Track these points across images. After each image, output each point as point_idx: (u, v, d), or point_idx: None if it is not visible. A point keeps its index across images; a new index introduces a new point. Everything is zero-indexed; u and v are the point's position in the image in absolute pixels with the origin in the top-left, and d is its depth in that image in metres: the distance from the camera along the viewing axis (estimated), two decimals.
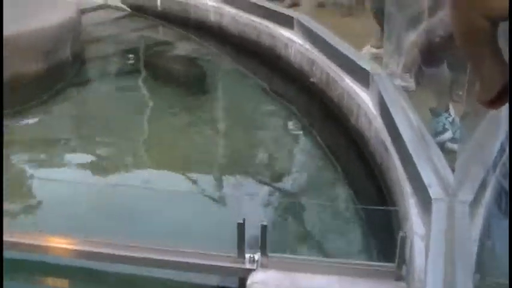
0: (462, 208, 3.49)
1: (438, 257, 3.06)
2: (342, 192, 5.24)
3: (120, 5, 11.22)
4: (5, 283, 2.83)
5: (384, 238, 4.44)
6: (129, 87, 8.00)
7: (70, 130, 6.82)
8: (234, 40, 9.09)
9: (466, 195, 3.59)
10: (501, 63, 1.01)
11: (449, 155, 4.28)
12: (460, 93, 5.26)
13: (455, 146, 4.76)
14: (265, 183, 5.47)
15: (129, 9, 11.13)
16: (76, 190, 4.99)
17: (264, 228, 3.55)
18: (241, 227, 3.57)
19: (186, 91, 7.65)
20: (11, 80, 6.75)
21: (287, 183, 5.51)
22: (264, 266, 3.60)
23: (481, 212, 3.62)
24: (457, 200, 3.55)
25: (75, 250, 3.93)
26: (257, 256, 3.61)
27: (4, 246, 3.89)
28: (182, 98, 7.32)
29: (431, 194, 3.64)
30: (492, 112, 3.85)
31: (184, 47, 9.42)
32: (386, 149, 4.85)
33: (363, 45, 7.18)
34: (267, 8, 8.63)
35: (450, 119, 5.27)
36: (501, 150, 4.04)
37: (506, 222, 3.78)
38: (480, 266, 3.15)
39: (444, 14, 5.21)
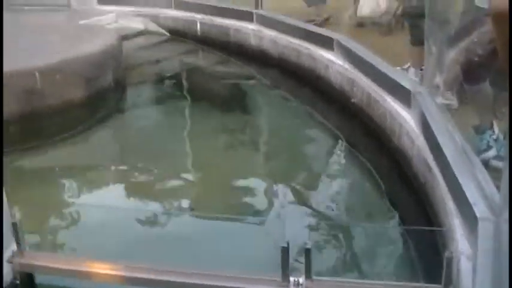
0: (509, 227, 3.43)
1: (485, 278, 3.01)
2: (386, 213, 5.19)
3: (159, 30, 11.32)
4: None
5: (429, 259, 4.38)
6: (170, 112, 8.05)
7: (112, 156, 6.87)
8: (274, 62, 9.12)
9: None
10: None
11: (494, 173, 4.21)
12: (504, 110, 5.20)
13: (500, 164, 4.68)
14: (308, 205, 5.44)
15: (168, 34, 11.23)
16: (118, 216, 5.01)
17: (308, 251, 3.52)
18: (285, 251, 3.54)
19: (227, 114, 7.67)
20: (56, 106, 6.86)
21: (330, 205, 5.48)
22: None
23: None
24: (503, 219, 3.49)
25: (118, 275, 3.93)
26: (302, 279, 3.58)
27: (47, 272, 3.94)
28: (223, 121, 7.34)
29: (476, 213, 3.58)
30: None
31: (224, 71, 9.47)
32: (429, 168, 4.80)
33: (404, 64, 7.14)
34: (306, 30, 8.65)
35: (494, 137, 5.21)
36: None
37: None
38: None
39: (484, 31, 5.16)
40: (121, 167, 6.44)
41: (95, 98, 7.44)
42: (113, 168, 6.46)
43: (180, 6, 11.34)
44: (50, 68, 6.98)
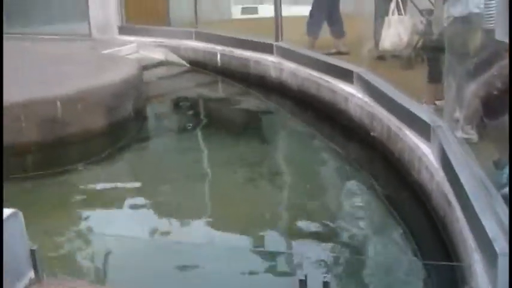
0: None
1: None
2: (405, 247, 5.15)
3: (180, 61, 11.40)
4: None
5: None
6: (189, 142, 8.06)
7: (131, 185, 6.88)
8: (294, 94, 9.13)
9: None
10: None
11: None
12: None
13: None
14: (327, 239, 5.41)
15: (188, 65, 11.30)
16: (135, 245, 5.01)
17: (326, 284, 3.50)
18: (303, 284, 3.52)
19: (246, 146, 7.66)
20: (76, 135, 6.91)
21: (349, 238, 5.44)
22: None
23: None
24: None
25: None
26: None
27: None
28: (242, 153, 7.33)
29: (496, 248, 3.55)
30: None
31: (244, 102, 9.49)
32: (449, 202, 4.78)
33: (423, 98, 7.13)
34: (326, 62, 8.67)
35: None
36: None
37: None
38: None
39: (504, 65, 5.16)
40: (139, 197, 6.44)
41: (115, 127, 7.48)
42: (131, 197, 6.46)
43: (200, 37, 11.42)
44: (71, 97, 7.04)
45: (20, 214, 3.26)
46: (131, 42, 11.73)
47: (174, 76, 11.03)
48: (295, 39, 10.20)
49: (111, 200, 6.30)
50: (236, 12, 15.47)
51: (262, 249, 5.23)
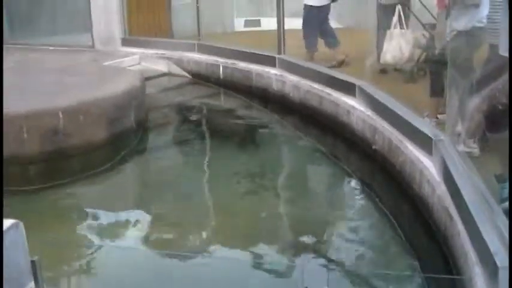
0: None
1: None
2: (406, 260, 5.14)
3: (182, 73, 11.41)
4: None
5: None
6: (191, 154, 8.07)
7: (132, 197, 6.90)
8: (296, 107, 9.14)
9: None
10: None
11: None
12: None
13: None
14: (327, 251, 5.41)
15: (190, 77, 11.32)
16: (136, 257, 5.02)
17: None
18: None
19: (247, 158, 7.66)
20: (78, 146, 6.91)
21: (350, 251, 5.44)
22: None
23: None
24: None
25: None
26: None
27: None
28: (244, 165, 7.32)
29: (497, 262, 3.55)
30: None
31: (246, 115, 9.51)
32: (450, 216, 4.77)
33: (426, 112, 7.13)
34: (328, 75, 8.68)
35: None
36: None
37: None
38: None
39: (507, 79, 5.16)
40: (141, 208, 6.44)
41: (117, 138, 7.48)
42: (132, 208, 6.47)
43: (203, 49, 11.44)
44: (73, 108, 7.04)
45: (21, 225, 3.26)
46: (134, 53, 11.75)
47: (176, 88, 11.04)
48: (297, 53, 10.23)
49: (112, 212, 6.30)
50: (239, 25, 15.51)
51: (262, 260, 5.22)
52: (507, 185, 5.10)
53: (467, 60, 6.52)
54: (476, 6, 6.45)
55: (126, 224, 6.10)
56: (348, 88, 8.06)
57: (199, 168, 7.44)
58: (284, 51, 9.94)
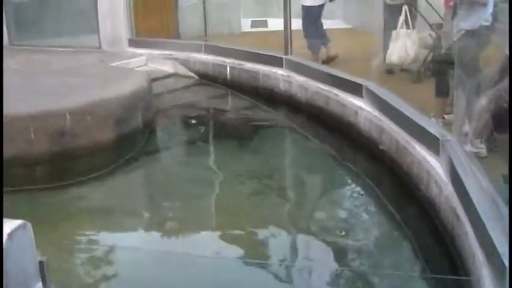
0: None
1: None
2: (413, 261, 5.13)
3: (189, 73, 11.42)
4: None
5: None
6: (198, 155, 8.06)
7: (139, 197, 6.90)
8: (303, 108, 9.14)
9: None
10: None
11: None
12: None
13: None
14: (334, 252, 5.40)
15: (197, 78, 11.32)
16: (141, 257, 5.02)
17: None
18: None
19: (254, 159, 7.65)
20: (85, 147, 6.92)
21: (357, 252, 5.43)
22: None
23: None
24: None
25: None
26: None
27: None
28: (250, 166, 7.32)
29: (505, 263, 3.54)
30: None
31: (253, 115, 9.50)
32: (457, 216, 4.76)
33: (432, 112, 7.12)
34: (335, 76, 8.67)
35: None
36: None
37: None
38: None
39: None
40: (147, 209, 6.46)
41: (123, 139, 7.48)
42: (138, 209, 6.48)
43: (210, 50, 11.44)
44: (80, 109, 7.05)
45: (29, 225, 3.26)
46: (141, 54, 11.76)
47: (183, 89, 11.04)
48: (302, 53, 10.24)
49: (118, 212, 6.31)
50: (246, 26, 15.51)
51: (268, 261, 5.21)
52: None
53: (475, 59, 6.51)
54: (484, 5, 6.44)
55: (132, 224, 6.11)
56: (355, 89, 8.05)
57: (206, 169, 7.44)
58: (291, 51, 9.93)
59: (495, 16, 6.35)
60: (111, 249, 5.39)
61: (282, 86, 9.71)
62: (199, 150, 8.24)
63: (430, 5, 9.30)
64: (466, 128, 6.05)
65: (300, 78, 9.37)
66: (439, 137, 5.74)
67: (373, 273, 5.03)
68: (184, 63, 11.56)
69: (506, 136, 5.49)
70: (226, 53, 11.08)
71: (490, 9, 6.39)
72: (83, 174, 6.86)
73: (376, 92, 7.52)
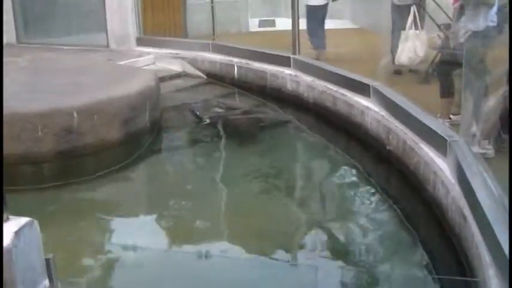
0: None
1: None
2: (420, 262, 5.13)
3: (197, 72, 11.43)
4: None
5: None
6: (205, 154, 8.07)
7: (146, 196, 6.91)
8: (310, 107, 9.14)
9: None
10: None
11: None
12: None
13: None
14: (341, 252, 5.40)
15: (205, 77, 11.34)
16: (149, 256, 5.01)
17: None
18: None
19: (261, 158, 7.66)
20: (92, 146, 6.93)
21: (363, 252, 5.43)
22: None
23: None
24: None
25: None
26: None
27: None
28: (258, 166, 7.32)
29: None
30: None
31: (260, 115, 9.50)
32: (464, 217, 4.75)
33: (438, 113, 7.11)
34: (343, 76, 8.66)
35: None
36: None
37: None
38: None
39: None
40: (154, 208, 6.46)
41: (131, 138, 7.48)
42: (146, 208, 6.49)
43: (217, 49, 11.45)
44: (87, 107, 7.05)
45: (36, 223, 3.27)
46: (148, 53, 11.79)
47: (190, 88, 11.05)
48: (308, 53, 10.26)
49: (125, 211, 6.33)
50: (253, 25, 15.53)
51: (275, 262, 5.21)
52: None
53: (482, 60, 6.49)
54: (491, 5, 6.42)
55: (139, 223, 6.12)
56: (362, 89, 8.05)
57: (213, 168, 7.45)
58: (299, 51, 9.94)
59: (504, 17, 6.32)
60: (117, 247, 5.39)
61: (290, 86, 9.71)
62: (207, 149, 8.24)
63: (438, 5, 9.29)
64: (474, 128, 6.04)
65: (307, 78, 9.37)
66: (447, 138, 5.73)
67: (380, 273, 5.02)
68: (192, 62, 11.58)
69: None
70: (233, 52, 11.10)
71: (494, 9, 6.37)
72: (90, 173, 6.87)
73: (383, 92, 7.52)
